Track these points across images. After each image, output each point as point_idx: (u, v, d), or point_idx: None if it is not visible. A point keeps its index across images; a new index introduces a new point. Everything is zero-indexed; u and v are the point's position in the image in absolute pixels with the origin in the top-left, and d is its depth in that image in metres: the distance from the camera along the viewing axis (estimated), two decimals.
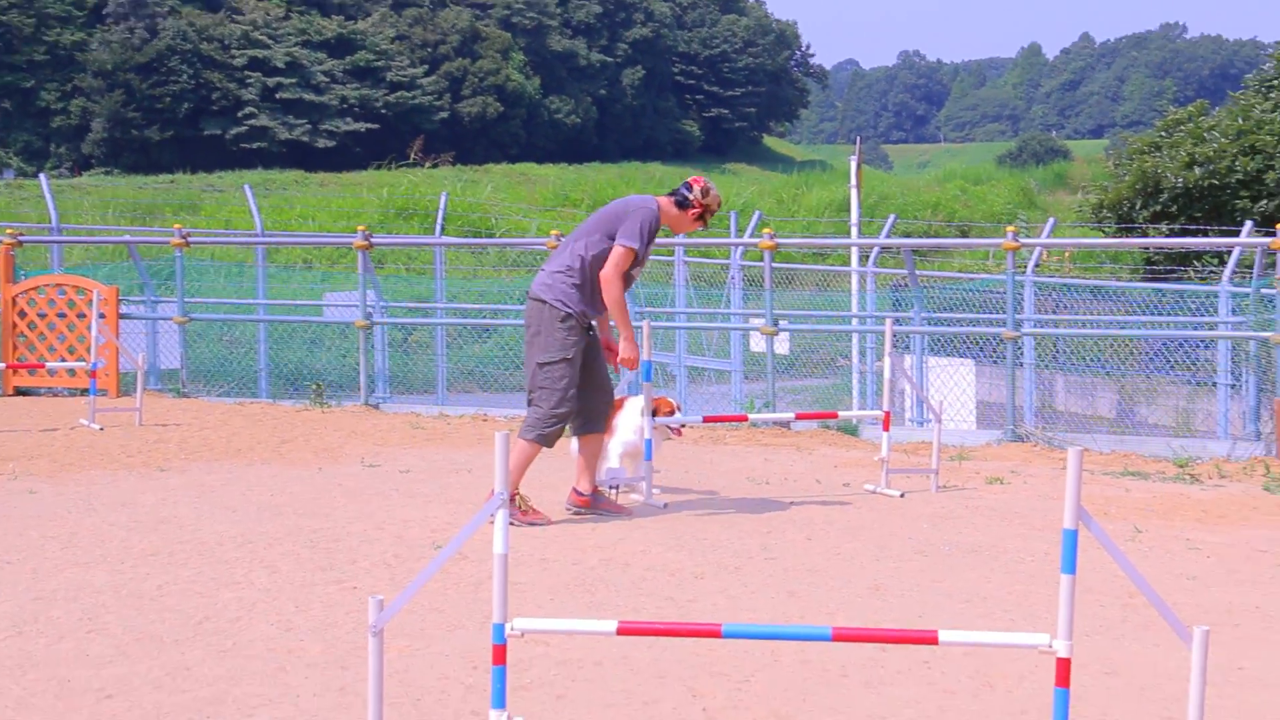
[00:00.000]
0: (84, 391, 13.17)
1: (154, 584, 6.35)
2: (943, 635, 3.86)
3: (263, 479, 9.28)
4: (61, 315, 14.45)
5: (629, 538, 7.46)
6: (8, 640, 5.44)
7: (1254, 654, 5.49)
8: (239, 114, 67.14)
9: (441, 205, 19.87)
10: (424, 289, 21.23)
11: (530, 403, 7.84)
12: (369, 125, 69.33)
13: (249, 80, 67.56)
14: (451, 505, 8.32)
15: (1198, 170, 24.61)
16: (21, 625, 5.65)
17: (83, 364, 12.91)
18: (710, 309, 18.77)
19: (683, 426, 9.02)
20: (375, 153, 62.46)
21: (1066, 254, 24.96)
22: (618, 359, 8.01)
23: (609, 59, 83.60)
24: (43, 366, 13.52)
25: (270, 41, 69.18)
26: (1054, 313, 17.11)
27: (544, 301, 7.76)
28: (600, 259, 7.77)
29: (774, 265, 13.27)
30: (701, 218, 8.04)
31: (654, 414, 8.41)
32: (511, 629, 3.86)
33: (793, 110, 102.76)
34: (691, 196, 7.97)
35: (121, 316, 14.85)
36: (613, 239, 7.75)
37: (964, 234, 44.03)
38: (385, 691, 3.99)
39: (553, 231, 13.91)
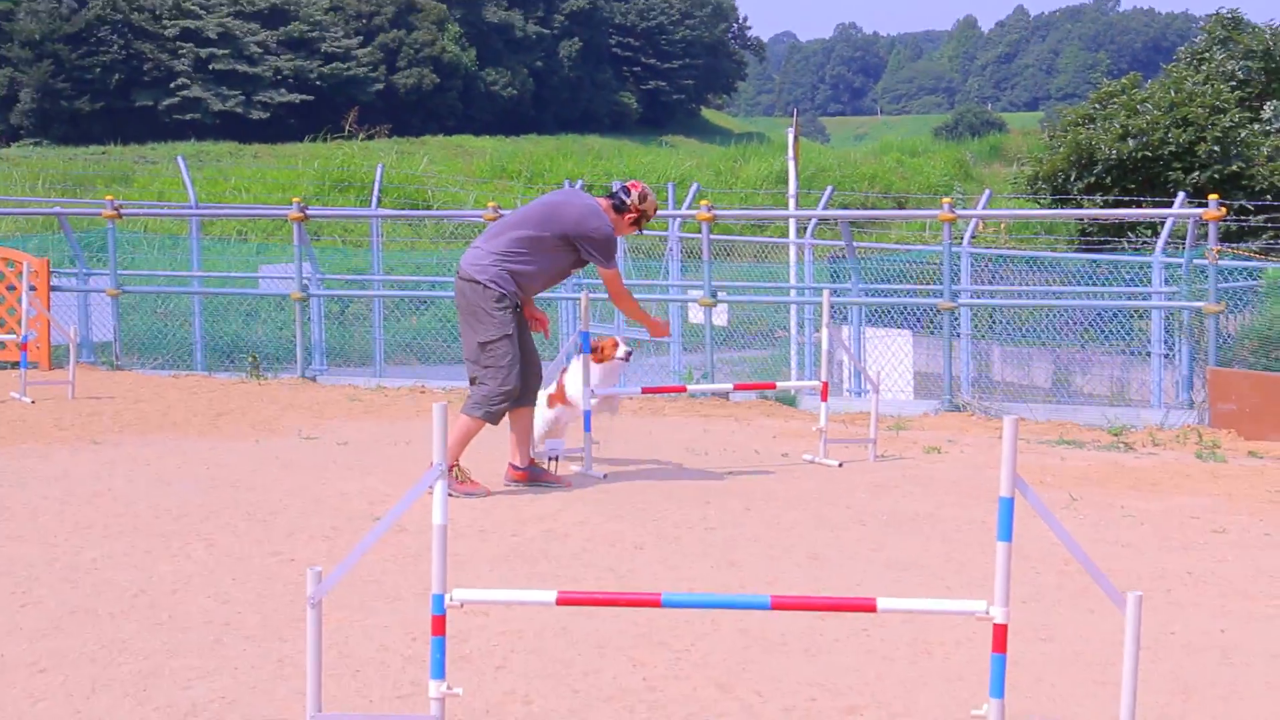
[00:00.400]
0: (15, 364, 13.00)
1: (88, 557, 6.29)
2: (881, 603, 3.89)
3: (199, 452, 9.21)
4: None
5: (568, 509, 7.46)
6: None
7: (1185, 619, 5.57)
8: (171, 85, 66.14)
9: (378, 177, 19.73)
10: (361, 261, 21.06)
11: (474, 381, 7.85)
12: (303, 97, 68.49)
13: (181, 51, 66.57)
14: (390, 477, 8.28)
15: (1131, 142, 24.80)
16: None
17: (13, 337, 12.75)
18: (648, 280, 18.75)
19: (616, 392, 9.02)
20: (310, 125, 61.70)
21: (1002, 225, 25.11)
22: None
23: (545, 30, 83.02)
24: None
25: (202, 12, 68.22)
26: (990, 284, 17.21)
27: (477, 282, 7.78)
28: (540, 255, 7.85)
29: (712, 237, 13.28)
30: (637, 222, 8.15)
31: (600, 353, 8.44)
32: (451, 600, 3.85)
33: (730, 83, 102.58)
34: (629, 201, 8.03)
35: (53, 289, 14.69)
36: (561, 238, 7.83)
37: (901, 206, 44.21)
38: (324, 663, 3.97)
39: (490, 204, 13.82)
